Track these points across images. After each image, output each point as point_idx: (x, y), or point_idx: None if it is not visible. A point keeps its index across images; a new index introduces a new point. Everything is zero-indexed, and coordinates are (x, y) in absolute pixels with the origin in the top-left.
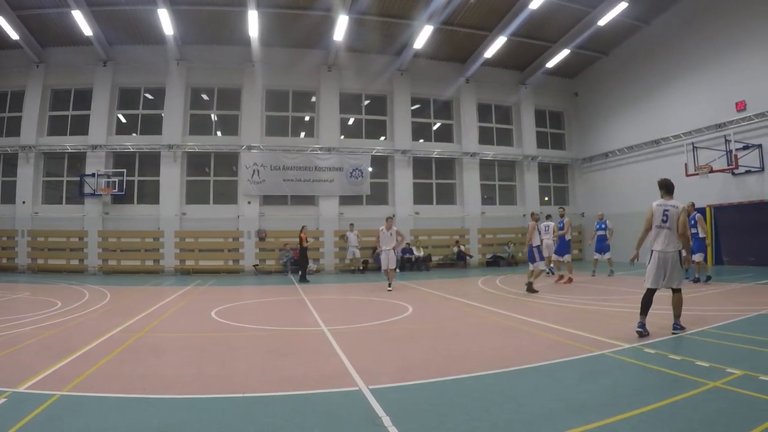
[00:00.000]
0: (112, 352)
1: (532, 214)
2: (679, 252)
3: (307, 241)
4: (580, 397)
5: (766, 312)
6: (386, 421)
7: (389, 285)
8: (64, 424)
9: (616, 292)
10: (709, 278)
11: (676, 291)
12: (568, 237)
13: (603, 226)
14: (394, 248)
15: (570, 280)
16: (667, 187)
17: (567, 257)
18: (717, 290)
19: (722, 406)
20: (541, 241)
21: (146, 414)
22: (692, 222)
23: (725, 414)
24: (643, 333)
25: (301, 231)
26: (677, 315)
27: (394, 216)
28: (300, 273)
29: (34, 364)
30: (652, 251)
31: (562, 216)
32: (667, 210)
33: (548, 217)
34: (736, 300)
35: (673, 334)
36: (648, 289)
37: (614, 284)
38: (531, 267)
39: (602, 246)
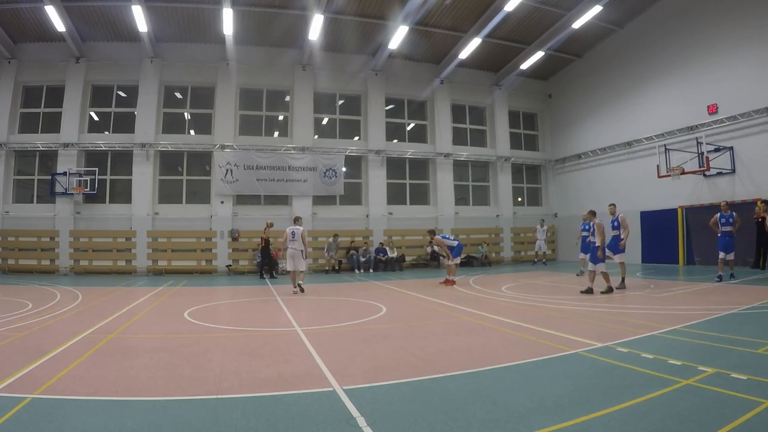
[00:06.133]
0: (84, 354)
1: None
2: None
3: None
4: (554, 396)
5: (736, 311)
6: (361, 421)
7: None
8: (35, 428)
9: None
10: None
11: None
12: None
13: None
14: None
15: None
16: None
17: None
18: (688, 290)
19: (695, 403)
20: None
21: (119, 416)
22: None
23: (698, 411)
24: None
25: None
26: None
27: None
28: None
29: (5, 367)
30: None
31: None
32: None
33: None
34: (707, 299)
35: None
36: None
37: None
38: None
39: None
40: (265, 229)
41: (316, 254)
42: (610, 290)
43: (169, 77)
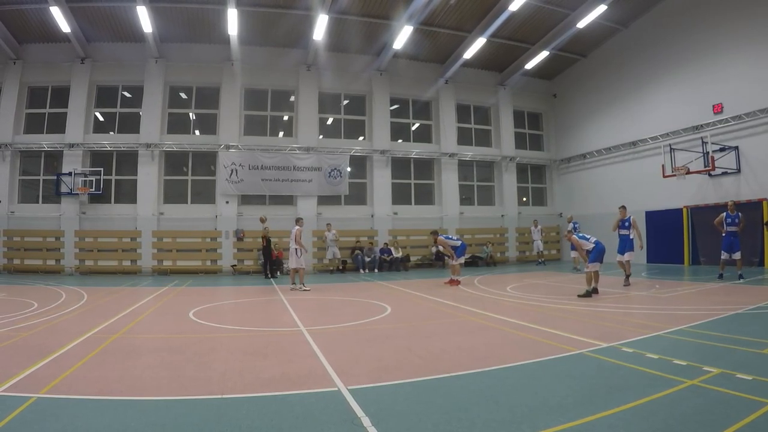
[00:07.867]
0: (89, 354)
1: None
2: None
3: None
4: (557, 396)
5: (742, 311)
6: (365, 421)
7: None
8: (40, 427)
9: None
10: None
11: None
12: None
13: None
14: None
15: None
16: None
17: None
18: (693, 290)
19: (699, 404)
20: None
21: (123, 416)
22: None
23: (702, 412)
24: None
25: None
26: None
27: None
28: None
29: (10, 367)
30: None
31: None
32: None
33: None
34: (712, 299)
35: None
36: None
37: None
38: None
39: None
40: (263, 221)
41: (320, 254)
42: (589, 294)
43: (174, 77)
